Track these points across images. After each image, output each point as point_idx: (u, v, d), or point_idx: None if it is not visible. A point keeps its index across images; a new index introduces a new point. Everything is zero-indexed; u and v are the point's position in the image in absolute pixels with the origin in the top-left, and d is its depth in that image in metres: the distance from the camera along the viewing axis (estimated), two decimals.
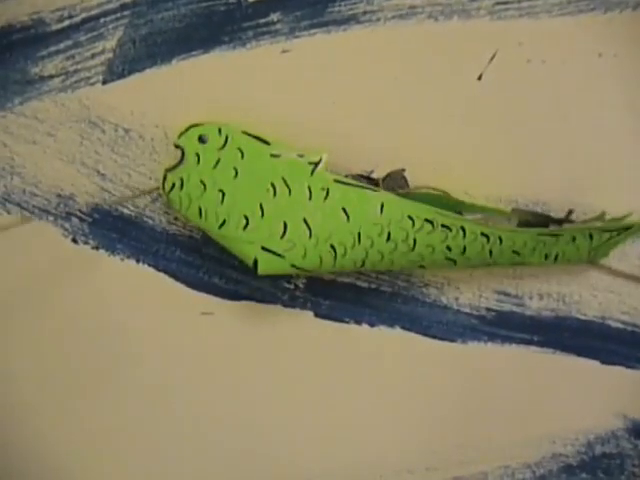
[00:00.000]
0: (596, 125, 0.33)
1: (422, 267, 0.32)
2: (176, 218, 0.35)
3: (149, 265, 0.35)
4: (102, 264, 0.35)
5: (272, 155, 0.31)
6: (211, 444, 0.36)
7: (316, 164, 0.31)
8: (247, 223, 0.32)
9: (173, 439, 0.36)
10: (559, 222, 0.33)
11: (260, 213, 0.31)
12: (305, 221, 0.31)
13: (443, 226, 0.31)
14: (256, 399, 0.35)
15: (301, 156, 0.31)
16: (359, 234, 0.31)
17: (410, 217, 0.31)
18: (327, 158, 0.31)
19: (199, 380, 0.35)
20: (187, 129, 0.32)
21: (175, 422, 0.36)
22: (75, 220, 0.35)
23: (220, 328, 0.35)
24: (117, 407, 0.36)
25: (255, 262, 0.32)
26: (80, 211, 0.35)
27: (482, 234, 0.31)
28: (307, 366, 0.35)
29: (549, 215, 0.33)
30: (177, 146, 0.32)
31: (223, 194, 0.32)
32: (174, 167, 0.32)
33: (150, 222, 0.35)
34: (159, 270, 0.35)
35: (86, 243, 0.35)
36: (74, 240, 0.35)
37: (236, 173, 0.32)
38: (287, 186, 0.31)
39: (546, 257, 0.32)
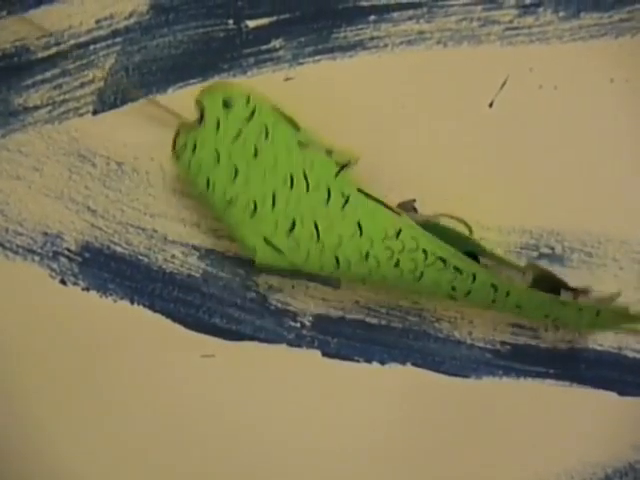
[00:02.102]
0: (609, 151, 0.32)
1: (418, 294, 0.31)
2: (173, 256, 0.33)
3: (144, 306, 0.33)
4: (94, 306, 0.33)
5: (299, 143, 0.29)
6: None
7: (343, 166, 0.29)
8: (255, 209, 0.29)
9: None
10: (573, 290, 0.31)
11: (271, 203, 0.29)
12: (315, 225, 0.29)
13: (455, 268, 0.30)
14: (261, 445, 0.33)
15: (330, 153, 0.29)
16: (367, 253, 0.30)
17: (424, 251, 0.30)
18: (356, 163, 0.29)
19: (201, 427, 0.33)
20: (212, 87, 0.29)
21: (175, 469, 0.33)
22: (63, 260, 0.33)
23: (222, 371, 0.33)
24: (113, 453, 0.33)
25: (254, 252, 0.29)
26: (69, 250, 0.33)
27: (492, 285, 0.30)
28: (315, 409, 0.33)
29: (565, 282, 0.31)
30: (197, 102, 0.29)
31: (237, 171, 0.29)
32: (190, 126, 0.29)
33: (145, 260, 0.33)
34: (155, 311, 0.33)
35: (76, 284, 0.33)
36: (62, 281, 0.33)
37: (256, 152, 0.29)
38: (306, 181, 0.29)
39: (546, 317, 0.31)
